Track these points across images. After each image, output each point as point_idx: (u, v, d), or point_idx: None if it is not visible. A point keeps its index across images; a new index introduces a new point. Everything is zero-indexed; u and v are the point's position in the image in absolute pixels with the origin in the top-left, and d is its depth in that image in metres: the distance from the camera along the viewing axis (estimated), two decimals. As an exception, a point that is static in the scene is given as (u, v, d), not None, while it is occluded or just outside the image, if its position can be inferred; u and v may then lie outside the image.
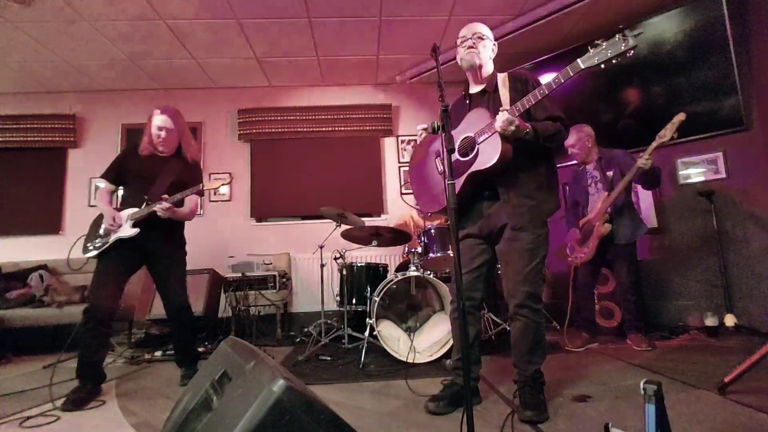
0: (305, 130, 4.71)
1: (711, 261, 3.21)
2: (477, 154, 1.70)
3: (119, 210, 2.31)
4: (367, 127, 4.76)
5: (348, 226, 3.21)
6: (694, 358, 2.42)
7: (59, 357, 2.27)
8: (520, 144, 1.66)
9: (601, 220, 2.80)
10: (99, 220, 2.37)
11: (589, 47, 1.45)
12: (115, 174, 2.40)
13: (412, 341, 2.67)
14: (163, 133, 2.36)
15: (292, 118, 4.70)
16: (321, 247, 3.35)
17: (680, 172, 3.44)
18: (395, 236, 3.19)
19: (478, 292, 1.85)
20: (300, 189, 4.65)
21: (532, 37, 3.91)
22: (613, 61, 1.40)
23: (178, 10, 3.39)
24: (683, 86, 3.39)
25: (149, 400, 2.12)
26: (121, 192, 2.46)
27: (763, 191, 3.06)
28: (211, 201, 4.61)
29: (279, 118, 4.68)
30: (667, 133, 2.49)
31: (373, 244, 3.14)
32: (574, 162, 3.18)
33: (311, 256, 4.26)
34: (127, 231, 2.24)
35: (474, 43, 1.82)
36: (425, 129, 1.97)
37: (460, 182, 1.73)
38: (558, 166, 4.15)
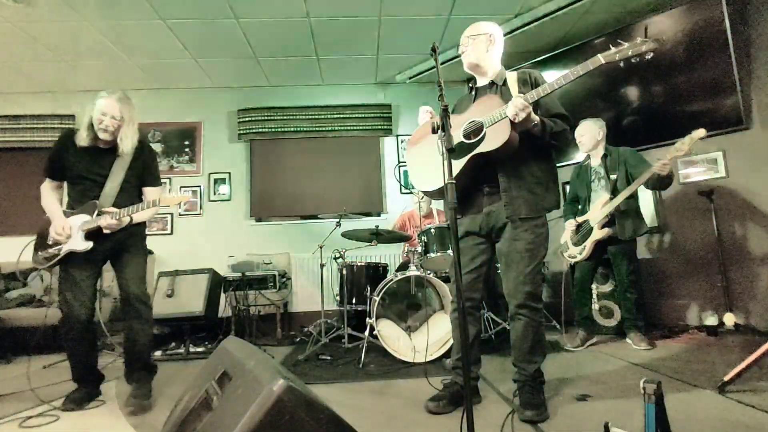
0: (305, 129, 4.71)
1: (711, 260, 3.21)
2: (483, 138, 1.69)
3: (67, 214, 2.03)
4: (367, 127, 4.76)
5: (348, 224, 3.21)
6: (694, 357, 2.42)
7: (29, 360, 2.23)
8: (525, 137, 1.67)
9: (599, 224, 2.79)
10: (48, 224, 2.06)
11: (611, 45, 1.51)
12: (55, 170, 2.12)
13: (412, 341, 2.67)
14: (107, 120, 2.01)
15: (291, 117, 4.70)
16: (321, 247, 3.35)
17: (680, 171, 3.44)
18: (395, 236, 3.19)
19: (477, 292, 1.86)
20: (300, 189, 4.65)
21: (532, 37, 3.91)
22: (632, 60, 1.47)
23: (177, 10, 3.39)
24: (683, 85, 3.39)
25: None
26: (66, 188, 2.17)
27: (763, 190, 3.06)
28: (210, 201, 4.61)
29: (279, 117, 4.68)
30: (684, 147, 2.45)
31: (373, 243, 3.14)
32: (576, 161, 3.17)
33: (311, 256, 4.26)
34: (80, 244, 1.97)
35: (466, 46, 1.87)
36: (431, 112, 1.95)
37: (462, 162, 1.72)
38: (566, 164, 4.19)
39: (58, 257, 1.98)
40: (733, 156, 3.21)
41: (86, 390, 2.04)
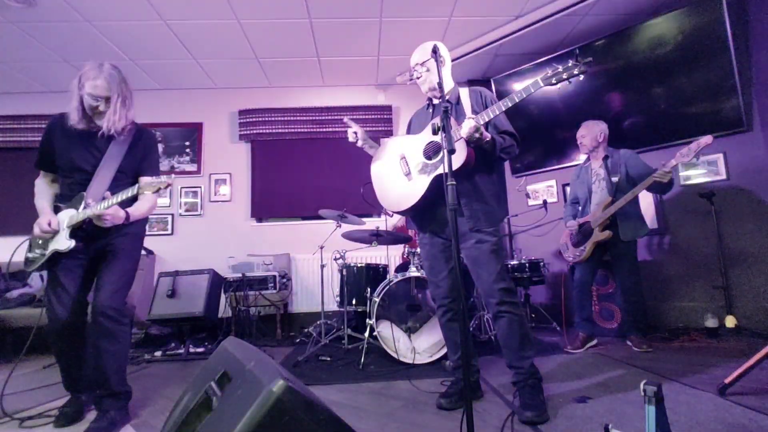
0: (305, 130, 4.71)
1: (711, 262, 3.21)
2: (442, 158, 1.76)
3: (59, 209, 1.84)
4: (368, 128, 4.74)
5: (348, 225, 3.21)
6: (695, 359, 2.42)
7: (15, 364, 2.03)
8: (479, 153, 1.77)
9: (600, 226, 2.79)
10: None
11: (548, 69, 1.65)
12: (46, 161, 1.91)
13: (412, 342, 2.67)
14: (101, 105, 1.77)
15: (292, 118, 4.70)
16: (321, 248, 3.35)
17: (681, 173, 3.44)
18: (395, 237, 3.19)
19: (456, 290, 1.92)
20: (300, 189, 4.65)
21: (533, 38, 3.91)
22: (567, 81, 1.63)
23: (178, 11, 3.40)
24: (684, 87, 3.39)
25: (149, 400, 2.12)
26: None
27: (763, 192, 3.06)
28: (211, 201, 4.61)
29: (279, 118, 4.69)
30: (690, 153, 2.46)
31: (373, 244, 3.14)
32: (575, 163, 3.17)
33: (311, 257, 4.26)
34: (62, 243, 1.75)
35: (420, 74, 1.96)
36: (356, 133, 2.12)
37: (426, 183, 1.82)
38: (560, 167, 4.18)
39: (45, 258, 1.78)
40: (734, 158, 3.21)
41: (81, 401, 1.91)
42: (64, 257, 1.80)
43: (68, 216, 1.79)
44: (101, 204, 1.72)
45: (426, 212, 1.94)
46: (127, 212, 1.80)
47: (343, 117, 4.64)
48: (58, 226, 1.77)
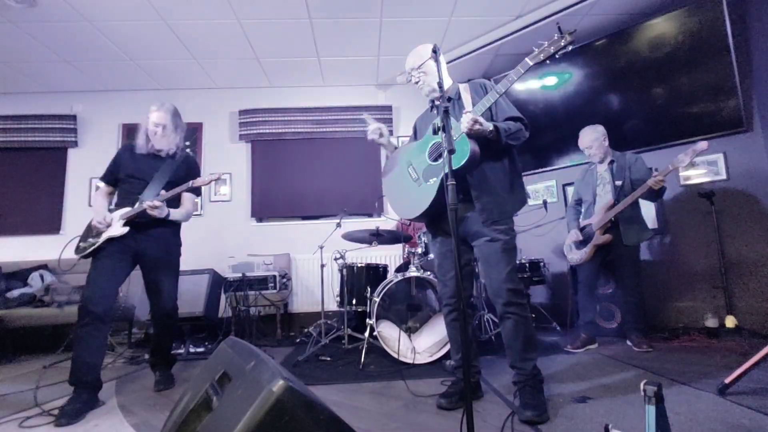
0: (306, 130, 4.71)
1: (711, 262, 3.21)
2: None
3: (112, 211, 2.27)
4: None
5: (348, 226, 3.20)
6: (695, 359, 2.42)
7: (55, 358, 2.26)
8: (485, 143, 1.74)
9: (601, 229, 2.80)
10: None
11: (534, 47, 1.63)
12: (111, 175, 2.38)
13: (412, 342, 2.67)
14: (159, 130, 2.31)
15: (292, 118, 4.70)
16: (321, 248, 3.35)
17: (681, 174, 3.44)
18: (395, 235, 3.19)
19: (465, 291, 1.92)
20: (300, 189, 4.65)
21: (533, 38, 3.89)
22: (556, 56, 1.58)
23: (178, 11, 3.40)
24: (684, 87, 3.39)
25: (149, 400, 2.12)
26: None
27: (763, 192, 3.06)
28: (211, 201, 4.62)
29: (279, 118, 4.69)
30: (686, 159, 2.49)
31: (373, 244, 3.14)
32: (585, 162, 3.16)
33: (311, 257, 4.26)
34: (117, 230, 2.18)
35: (418, 78, 1.99)
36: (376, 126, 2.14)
37: (436, 186, 1.79)
38: (567, 166, 4.17)
39: (98, 244, 2.17)
40: (734, 158, 3.21)
41: (82, 399, 1.94)
42: (111, 246, 2.18)
43: (121, 212, 2.24)
44: (156, 199, 2.19)
45: (438, 215, 1.90)
46: (169, 210, 2.26)
47: (342, 117, 4.71)
48: (110, 220, 2.21)
